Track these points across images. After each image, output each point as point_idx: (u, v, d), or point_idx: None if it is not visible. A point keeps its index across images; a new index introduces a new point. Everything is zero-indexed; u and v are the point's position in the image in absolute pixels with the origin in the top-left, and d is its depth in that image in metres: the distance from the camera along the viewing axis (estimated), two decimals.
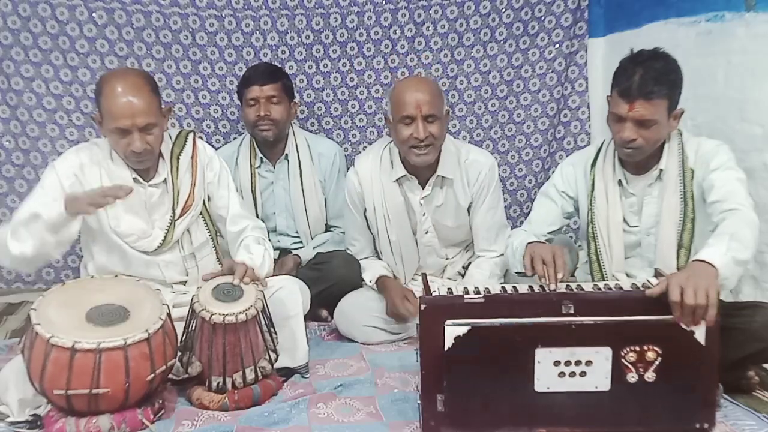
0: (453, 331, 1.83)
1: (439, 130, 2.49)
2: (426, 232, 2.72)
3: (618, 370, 1.84)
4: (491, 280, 2.62)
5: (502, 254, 2.66)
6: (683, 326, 1.78)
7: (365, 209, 2.72)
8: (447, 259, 2.81)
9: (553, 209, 2.44)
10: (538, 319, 1.83)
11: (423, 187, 2.65)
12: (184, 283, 2.44)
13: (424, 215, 2.69)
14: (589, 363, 1.84)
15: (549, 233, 2.43)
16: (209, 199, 2.46)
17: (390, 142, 2.68)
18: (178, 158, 2.38)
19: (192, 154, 2.41)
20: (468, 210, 2.71)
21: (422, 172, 2.63)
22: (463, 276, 2.81)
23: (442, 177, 2.63)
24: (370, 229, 2.77)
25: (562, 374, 1.84)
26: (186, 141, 2.42)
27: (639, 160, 2.25)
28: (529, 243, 2.18)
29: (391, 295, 2.65)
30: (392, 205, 2.66)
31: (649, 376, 1.83)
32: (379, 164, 2.67)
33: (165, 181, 2.36)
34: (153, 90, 2.25)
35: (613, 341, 1.83)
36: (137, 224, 2.32)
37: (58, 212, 2.06)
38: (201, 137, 3.29)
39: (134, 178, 2.31)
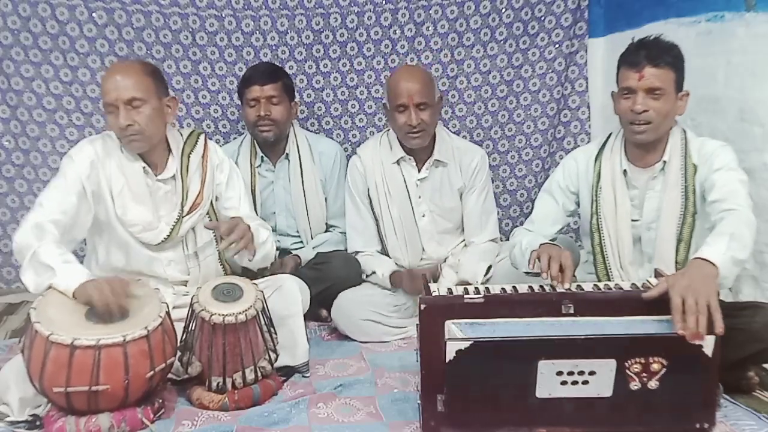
0: (454, 345, 1.81)
1: (431, 116, 2.74)
2: (423, 216, 2.90)
3: (621, 379, 1.82)
4: (480, 264, 2.76)
5: (491, 240, 2.89)
6: (690, 340, 1.74)
7: (368, 189, 2.90)
8: (448, 250, 2.94)
9: (554, 207, 2.44)
10: (541, 333, 1.81)
11: (419, 171, 2.87)
12: (185, 283, 2.45)
13: (419, 197, 2.89)
14: (592, 373, 1.82)
15: (553, 234, 2.42)
16: (216, 200, 2.48)
17: (388, 130, 2.93)
18: (189, 156, 2.40)
19: (203, 154, 2.44)
20: (460, 196, 2.93)
21: (419, 155, 2.87)
22: None
23: (438, 160, 2.87)
24: (374, 215, 2.90)
25: (564, 383, 1.83)
26: (197, 141, 2.45)
27: (646, 144, 2.24)
28: (542, 245, 2.18)
29: (406, 279, 2.77)
30: (393, 184, 2.87)
31: (653, 384, 1.82)
32: (379, 147, 2.91)
33: (174, 177, 2.37)
34: (148, 73, 2.30)
35: (618, 354, 1.81)
36: (143, 215, 2.33)
37: (65, 286, 2.00)
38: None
39: (143, 168, 2.33)
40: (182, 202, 2.37)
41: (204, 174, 2.41)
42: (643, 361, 1.81)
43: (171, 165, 2.37)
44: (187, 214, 2.37)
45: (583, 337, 1.80)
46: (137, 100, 2.23)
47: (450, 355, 1.81)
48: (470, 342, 1.81)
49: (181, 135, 2.44)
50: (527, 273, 2.28)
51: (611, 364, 1.81)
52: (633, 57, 2.19)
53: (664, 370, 1.81)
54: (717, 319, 1.72)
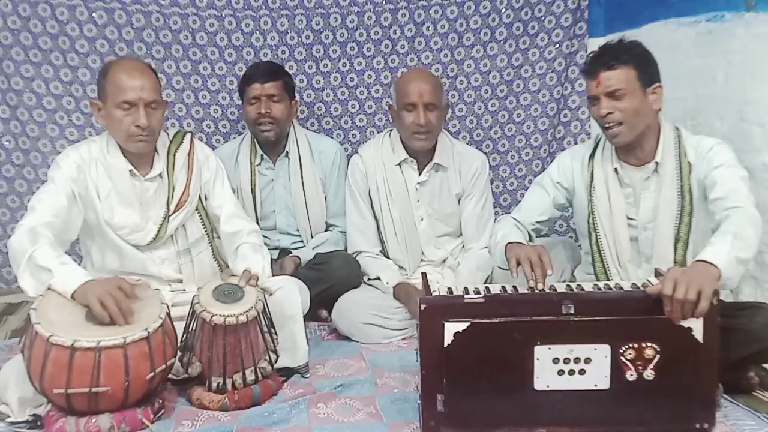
0: (453, 327, 1.83)
1: (437, 118, 2.76)
2: (421, 219, 2.91)
3: (617, 367, 1.83)
4: (479, 273, 2.77)
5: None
6: (674, 322, 1.77)
7: (369, 190, 2.90)
8: (447, 251, 2.96)
9: (544, 198, 2.45)
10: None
11: (420, 174, 2.88)
12: (180, 281, 2.45)
13: (418, 201, 2.90)
14: (588, 360, 1.84)
15: (537, 222, 2.45)
16: (206, 198, 2.49)
17: (390, 131, 2.95)
18: (175, 154, 2.41)
19: (189, 152, 2.45)
20: (458, 201, 2.93)
21: (421, 158, 2.87)
22: None
23: (438, 164, 2.87)
24: (375, 215, 2.91)
25: (561, 372, 1.84)
26: (183, 139, 2.47)
27: (631, 143, 2.24)
28: (509, 243, 2.18)
29: (413, 300, 2.66)
30: (394, 185, 2.88)
31: (648, 374, 1.83)
32: (381, 148, 2.91)
33: (161, 175, 2.38)
34: (156, 76, 2.34)
35: (611, 338, 1.82)
36: (131, 217, 2.34)
37: (63, 288, 1.99)
38: (201, 137, 3.32)
39: (130, 171, 2.34)
40: (168, 200, 2.38)
41: (190, 171, 2.43)
42: (636, 346, 1.82)
43: (157, 164, 2.38)
44: (174, 212, 2.38)
45: (576, 319, 1.82)
46: (155, 103, 2.27)
47: (448, 338, 1.82)
48: (468, 323, 1.82)
49: (167, 135, 2.45)
50: (501, 268, 2.30)
51: (605, 349, 1.82)
52: (589, 66, 2.24)
53: (658, 356, 1.82)
54: (702, 305, 1.73)
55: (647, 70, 2.20)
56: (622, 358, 1.83)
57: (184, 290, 2.43)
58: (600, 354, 1.83)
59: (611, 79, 2.16)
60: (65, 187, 2.23)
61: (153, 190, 2.38)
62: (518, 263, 2.05)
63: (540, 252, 2.04)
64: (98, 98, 2.33)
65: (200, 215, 2.46)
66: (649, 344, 1.82)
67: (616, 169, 2.32)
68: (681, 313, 1.76)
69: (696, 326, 1.79)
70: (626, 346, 1.82)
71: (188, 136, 2.49)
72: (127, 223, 2.34)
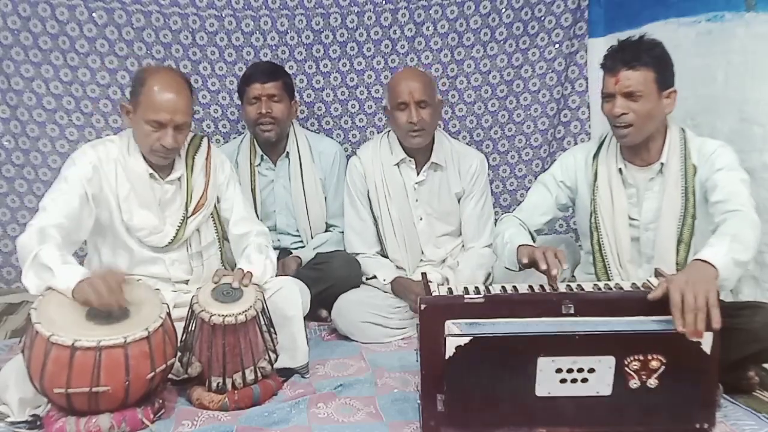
0: (454, 341, 1.81)
1: (431, 115, 2.74)
2: (420, 219, 2.89)
3: (620, 377, 1.82)
4: (479, 271, 2.79)
5: (490, 245, 2.81)
6: (689, 338, 1.74)
7: (368, 191, 2.90)
8: (447, 251, 2.96)
9: (547, 198, 2.45)
10: (540, 330, 1.81)
11: (418, 174, 2.88)
12: (187, 281, 2.46)
13: (416, 201, 2.89)
14: (591, 370, 1.82)
15: (541, 224, 2.44)
16: (218, 201, 2.50)
17: (388, 132, 2.94)
18: (194, 158, 2.43)
19: (207, 156, 2.47)
20: (458, 200, 2.93)
21: (418, 158, 2.87)
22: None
23: (436, 163, 2.87)
24: (373, 216, 2.91)
25: (563, 380, 1.83)
26: (201, 143, 2.49)
27: (638, 144, 2.24)
28: (521, 245, 2.17)
29: (413, 291, 2.68)
30: (392, 185, 2.88)
31: (652, 382, 1.82)
32: (379, 149, 2.91)
33: (179, 178, 2.40)
34: (191, 92, 2.35)
35: (616, 350, 1.81)
36: (150, 219, 2.35)
37: (64, 287, 1.99)
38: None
39: (150, 174, 2.35)
40: (186, 203, 2.39)
41: (208, 175, 2.44)
42: (641, 358, 1.81)
43: (178, 167, 2.40)
44: (192, 215, 2.40)
45: (581, 333, 1.80)
46: (185, 125, 2.29)
47: (450, 351, 1.81)
48: (470, 338, 1.81)
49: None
50: (507, 268, 2.29)
51: (610, 361, 1.81)
52: (610, 61, 2.20)
53: (663, 367, 1.81)
54: (714, 314, 1.71)
55: (665, 73, 2.18)
56: (627, 369, 1.81)
57: (188, 291, 2.41)
58: (604, 365, 1.82)
59: (630, 80, 2.14)
60: (78, 188, 2.22)
61: (171, 192, 2.39)
62: (533, 260, 2.04)
63: (550, 249, 2.04)
64: (129, 101, 2.32)
65: (213, 219, 2.48)
66: (655, 356, 1.80)
67: (620, 169, 2.31)
68: (694, 326, 1.71)
69: (706, 340, 1.77)
70: (631, 358, 1.81)
71: (205, 140, 2.51)
72: (146, 225, 2.34)
